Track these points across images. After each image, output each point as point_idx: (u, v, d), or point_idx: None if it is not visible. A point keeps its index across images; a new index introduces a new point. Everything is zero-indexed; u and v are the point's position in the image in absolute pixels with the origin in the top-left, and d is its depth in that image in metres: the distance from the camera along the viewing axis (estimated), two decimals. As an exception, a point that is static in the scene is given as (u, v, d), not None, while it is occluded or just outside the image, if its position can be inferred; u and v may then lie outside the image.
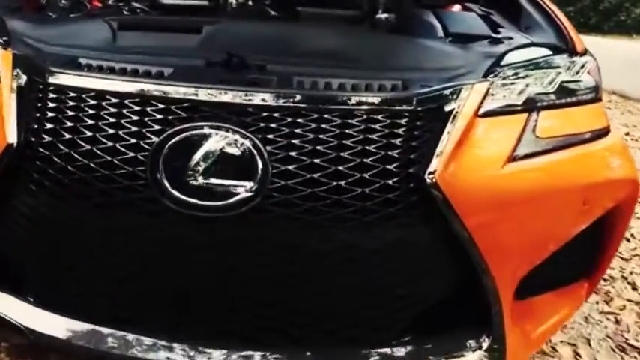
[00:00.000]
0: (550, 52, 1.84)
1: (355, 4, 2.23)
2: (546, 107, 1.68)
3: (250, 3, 2.20)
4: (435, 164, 1.47)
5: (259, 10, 2.12)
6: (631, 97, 7.32)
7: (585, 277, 1.89)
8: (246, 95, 1.46)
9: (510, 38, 1.92)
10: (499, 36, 1.93)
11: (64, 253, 1.54)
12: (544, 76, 1.73)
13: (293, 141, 1.43)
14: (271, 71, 1.62)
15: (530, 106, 1.65)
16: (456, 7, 2.51)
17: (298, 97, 1.47)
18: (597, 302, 2.37)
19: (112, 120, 1.48)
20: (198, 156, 1.40)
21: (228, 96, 1.46)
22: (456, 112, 1.54)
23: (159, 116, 1.46)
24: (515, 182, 1.55)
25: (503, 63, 1.75)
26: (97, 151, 1.46)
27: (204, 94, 1.46)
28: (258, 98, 1.46)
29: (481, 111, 1.59)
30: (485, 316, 1.61)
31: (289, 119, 1.45)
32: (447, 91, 1.57)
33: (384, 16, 2.22)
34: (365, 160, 1.44)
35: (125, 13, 2.15)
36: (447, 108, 1.55)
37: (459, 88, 1.58)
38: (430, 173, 1.46)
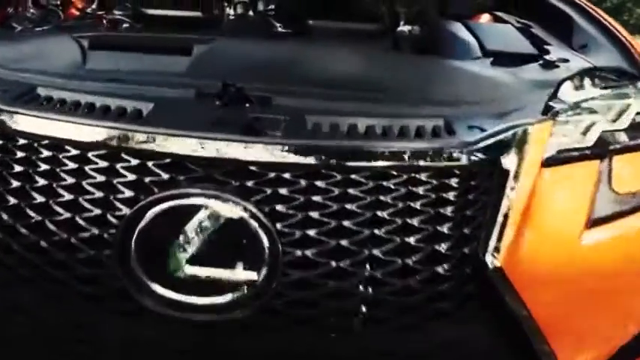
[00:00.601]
0: (617, 79, 1.42)
1: (374, 16, 1.79)
2: (619, 151, 1.26)
3: (251, 13, 1.75)
4: (498, 240, 1.06)
5: (262, 24, 1.68)
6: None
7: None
8: (247, 148, 1.04)
9: (565, 60, 1.50)
10: (551, 58, 1.50)
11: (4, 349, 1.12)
12: (612, 110, 1.31)
13: (311, 214, 1.01)
14: (278, 108, 1.19)
15: (602, 149, 1.24)
16: (485, 17, 2.08)
17: (317, 150, 1.05)
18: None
19: (70, 181, 1.06)
20: (183, 236, 0.99)
21: (222, 149, 1.04)
22: (518, 165, 1.13)
23: (131, 177, 1.04)
24: (596, 256, 1.14)
25: (561, 93, 1.33)
26: (50, 225, 1.03)
27: (190, 146, 1.04)
28: (264, 153, 1.04)
29: (545, 160, 1.17)
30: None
31: (305, 183, 1.03)
32: (504, 136, 1.15)
33: (406, 28, 1.78)
34: (407, 240, 1.02)
35: (103, 24, 1.71)
36: (507, 159, 1.13)
37: (520, 131, 1.16)
38: (492, 254, 1.04)
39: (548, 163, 1.17)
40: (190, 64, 1.37)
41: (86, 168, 1.06)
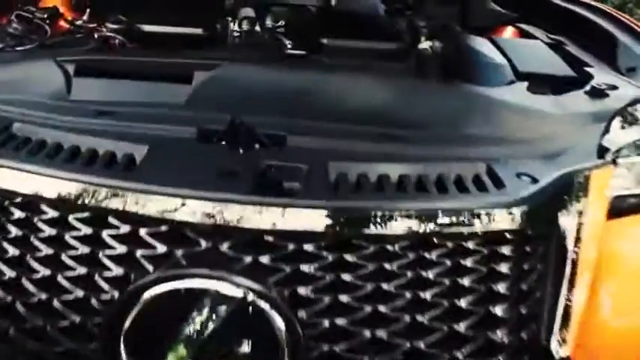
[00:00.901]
0: None
1: (393, 33, 1.58)
2: None
3: (258, 29, 1.53)
4: (563, 321, 0.86)
5: (271, 44, 1.46)
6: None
7: None
8: (261, 213, 0.83)
9: (614, 87, 1.28)
10: (598, 84, 1.28)
11: None
12: None
13: (340, 298, 0.81)
14: (296, 151, 0.99)
15: None
16: (509, 31, 1.86)
17: (346, 215, 0.84)
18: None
19: (46, 252, 0.85)
20: (185, 327, 0.78)
21: (231, 215, 0.83)
22: (580, 223, 0.92)
23: (120, 249, 0.84)
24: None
25: (613, 129, 1.13)
26: (21, 308, 0.83)
27: (192, 211, 0.83)
28: (282, 218, 0.83)
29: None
30: None
31: (332, 258, 0.83)
32: (560, 188, 0.94)
33: (429, 47, 1.57)
34: (455, 328, 0.82)
35: (92, 43, 1.49)
36: (566, 217, 0.93)
37: (578, 180, 0.96)
38: (558, 339, 0.84)
39: (613, 215, 0.98)
40: (191, 94, 1.16)
41: (67, 237, 0.85)
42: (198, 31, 1.47)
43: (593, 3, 1.73)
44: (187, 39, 1.46)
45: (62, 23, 1.72)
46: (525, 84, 1.33)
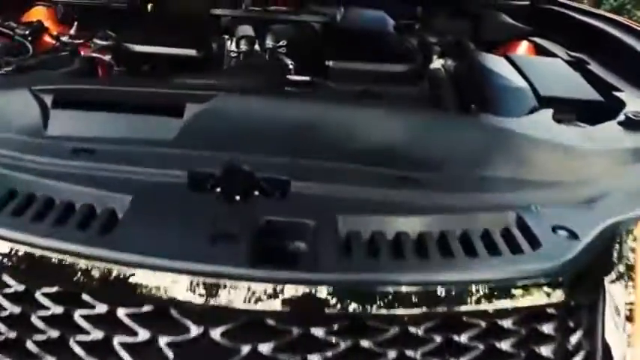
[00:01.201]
0: None
1: (403, 52, 1.43)
2: None
3: (257, 48, 1.38)
4: None
5: (271, 67, 1.31)
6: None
7: None
8: (260, 289, 0.69)
9: (651, 116, 1.14)
10: (634, 114, 1.13)
11: None
12: None
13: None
14: (300, 200, 0.84)
15: None
16: (523, 46, 1.72)
17: (362, 291, 0.70)
18: None
19: (7, 335, 0.71)
20: None
21: (223, 289, 0.69)
22: (630, 286, 0.79)
23: (95, 334, 0.69)
24: None
25: None
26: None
27: (178, 286, 0.69)
28: (284, 297, 0.69)
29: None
30: None
31: (344, 345, 0.68)
32: (604, 245, 0.80)
33: (440, 64, 1.42)
34: None
35: (76, 63, 1.35)
36: (615, 283, 0.79)
37: (624, 234, 0.82)
38: None
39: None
40: (182, 129, 1.02)
41: (32, 316, 0.71)
42: (192, 52, 1.32)
43: (618, 18, 1.59)
44: (180, 60, 1.31)
45: (47, 39, 1.58)
46: (550, 112, 1.18)
